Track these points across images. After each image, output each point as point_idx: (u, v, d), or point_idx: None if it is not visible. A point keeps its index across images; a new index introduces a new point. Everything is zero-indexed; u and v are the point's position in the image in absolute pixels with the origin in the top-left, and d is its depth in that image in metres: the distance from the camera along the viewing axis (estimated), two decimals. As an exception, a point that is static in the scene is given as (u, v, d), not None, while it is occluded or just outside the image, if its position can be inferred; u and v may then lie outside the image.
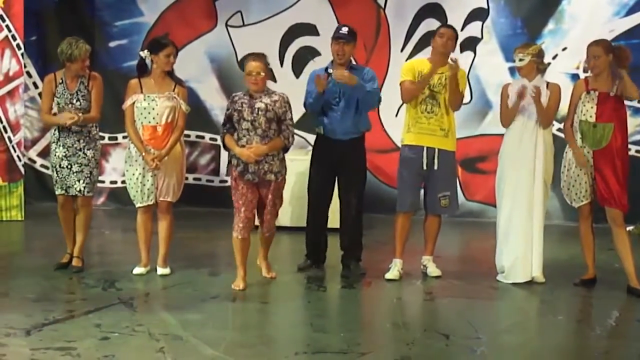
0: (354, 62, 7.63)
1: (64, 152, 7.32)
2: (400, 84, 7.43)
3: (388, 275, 7.39)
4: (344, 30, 7.48)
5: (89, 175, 7.35)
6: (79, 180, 7.33)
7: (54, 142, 7.41)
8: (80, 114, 7.21)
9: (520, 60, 7.20)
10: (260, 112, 6.71)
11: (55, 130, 7.40)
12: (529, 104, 7.21)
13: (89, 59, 7.35)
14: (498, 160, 7.45)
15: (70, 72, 7.31)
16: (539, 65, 7.26)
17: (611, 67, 7.04)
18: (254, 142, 6.70)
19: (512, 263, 7.28)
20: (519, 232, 7.23)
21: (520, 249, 7.24)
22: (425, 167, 7.37)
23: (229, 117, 6.85)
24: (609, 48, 7.07)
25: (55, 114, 7.31)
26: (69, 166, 7.33)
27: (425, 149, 7.37)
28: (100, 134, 7.60)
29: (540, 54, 7.27)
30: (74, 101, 7.28)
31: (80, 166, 7.33)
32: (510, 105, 7.26)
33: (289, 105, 6.96)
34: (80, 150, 7.32)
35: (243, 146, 6.74)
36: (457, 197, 7.67)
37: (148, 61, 7.24)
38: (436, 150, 7.37)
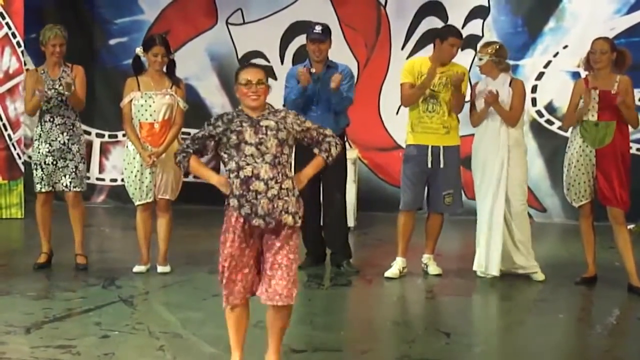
0: (330, 60, 7.61)
1: (48, 147, 7.30)
2: (400, 86, 7.43)
3: (387, 274, 7.38)
4: (318, 29, 7.50)
5: (74, 170, 7.33)
6: (65, 176, 7.32)
7: (36, 139, 7.38)
8: (70, 83, 7.21)
9: (480, 59, 7.33)
10: (269, 132, 4.70)
11: (37, 126, 7.39)
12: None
13: (62, 49, 7.33)
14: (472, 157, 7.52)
15: (49, 60, 7.35)
16: (498, 65, 7.30)
17: (612, 67, 7.06)
18: (263, 172, 4.62)
19: (480, 256, 7.34)
20: (482, 227, 7.30)
21: (482, 242, 7.30)
22: (430, 166, 7.36)
23: (204, 137, 4.75)
24: (614, 46, 7.11)
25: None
26: (54, 162, 7.31)
27: (430, 147, 7.37)
28: (100, 132, 7.59)
29: (499, 53, 7.32)
30: (57, 86, 7.28)
31: (65, 161, 7.31)
32: (478, 107, 7.31)
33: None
34: (64, 144, 7.31)
35: (247, 178, 4.63)
36: (461, 195, 7.67)
37: (144, 59, 7.28)
38: (441, 148, 7.37)
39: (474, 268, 7.33)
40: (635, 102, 7.13)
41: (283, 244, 4.67)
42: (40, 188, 7.37)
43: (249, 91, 4.76)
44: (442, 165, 7.37)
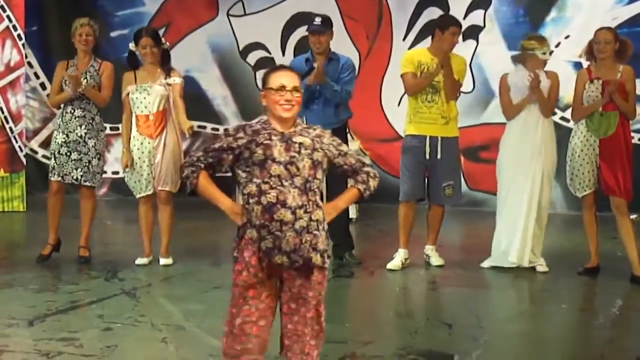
0: (332, 52, 7.59)
1: (64, 138, 7.32)
2: (402, 76, 7.41)
3: (390, 265, 7.38)
4: (318, 21, 7.48)
5: (87, 164, 7.33)
6: (76, 169, 7.32)
7: (56, 128, 7.45)
8: (81, 79, 7.23)
9: (543, 53, 7.20)
10: (303, 151, 3.85)
11: (59, 117, 7.41)
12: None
13: (88, 38, 7.37)
14: (500, 148, 7.44)
15: (78, 51, 7.41)
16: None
17: (614, 57, 7.05)
18: (290, 198, 3.76)
19: (506, 247, 7.27)
20: (517, 218, 7.22)
21: (518, 233, 7.22)
22: (428, 157, 7.35)
23: (221, 149, 3.87)
24: (617, 36, 7.11)
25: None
26: (68, 153, 7.32)
27: (427, 138, 7.35)
28: (104, 124, 7.59)
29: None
30: (82, 79, 7.29)
31: (79, 154, 7.32)
32: (516, 98, 7.23)
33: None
34: (81, 137, 7.31)
35: (271, 204, 3.76)
36: (460, 186, 7.66)
37: (138, 53, 7.30)
38: (439, 138, 7.35)
39: (514, 260, 7.25)
40: (636, 92, 7.12)
41: (310, 291, 3.83)
42: (51, 176, 7.40)
43: (282, 99, 3.87)
44: (439, 157, 7.35)
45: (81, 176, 7.33)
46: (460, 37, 8.06)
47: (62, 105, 7.39)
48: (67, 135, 7.32)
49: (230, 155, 3.84)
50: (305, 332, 3.85)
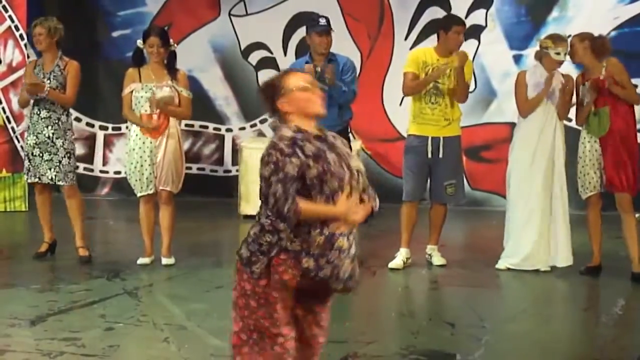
0: (331, 52, 7.58)
1: (34, 139, 7.35)
2: (403, 75, 7.41)
3: (391, 265, 7.37)
4: (323, 21, 7.44)
5: (58, 164, 7.33)
6: (49, 169, 7.33)
7: (26, 130, 7.50)
8: (45, 84, 7.23)
9: (557, 54, 7.17)
10: (348, 157, 3.62)
11: (28, 118, 7.47)
12: (552, 93, 7.21)
13: (40, 38, 7.37)
14: (511, 148, 7.40)
15: (44, 54, 7.43)
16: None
17: (594, 54, 7.07)
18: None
19: (531, 250, 7.23)
20: (538, 219, 7.20)
21: (543, 235, 7.20)
22: (430, 156, 7.34)
23: (293, 177, 3.45)
24: (582, 37, 7.15)
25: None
26: (40, 154, 7.34)
27: (430, 138, 7.35)
28: (104, 124, 7.59)
29: None
30: (46, 80, 7.31)
31: (50, 154, 7.33)
32: (534, 95, 7.23)
33: None
34: (48, 138, 7.32)
35: (332, 233, 3.49)
36: (463, 185, 7.65)
37: (145, 51, 7.30)
38: (441, 138, 7.35)
39: (547, 265, 7.21)
40: (630, 79, 7.15)
41: (325, 307, 3.80)
42: (27, 179, 7.52)
43: (313, 95, 3.60)
44: (441, 156, 7.35)
45: (55, 176, 7.34)
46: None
47: (31, 105, 7.42)
48: (36, 137, 7.34)
49: (301, 179, 3.47)
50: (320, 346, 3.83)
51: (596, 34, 7.25)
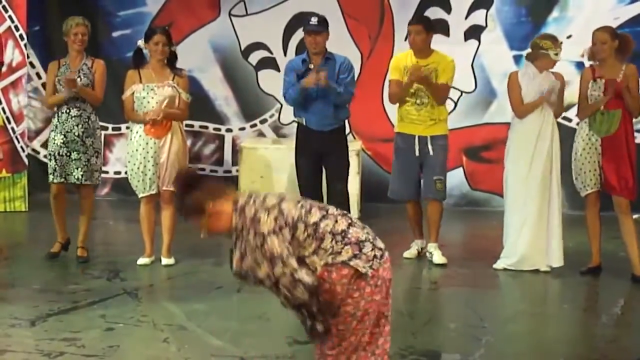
0: (329, 52, 7.58)
1: (62, 139, 7.32)
2: (389, 83, 7.50)
3: (406, 254, 7.63)
4: (314, 20, 7.46)
5: (86, 163, 7.33)
6: (77, 168, 7.32)
7: (52, 129, 7.44)
8: (77, 81, 7.21)
9: (556, 54, 7.20)
10: None
11: (54, 117, 7.43)
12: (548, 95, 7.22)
13: (84, 38, 7.38)
14: (507, 150, 7.40)
15: (71, 50, 7.41)
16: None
17: (616, 55, 7.06)
18: None
19: (526, 251, 7.23)
20: (535, 221, 7.19)
21: (539, 237, 7.20)
22: (418, 154, 7.41)
23: None
24: (614, 34, 7.09)
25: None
26: (68, 153, 7.32)
27: (416, 137, 7.42)
28: (104, 124, 7.60)
29: None
30: (76, 78, 7.29)
31: (78, 154, 7.32)
32: (526, 96, 7.21)
33: None
34: (78, 137, 7.32)
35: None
36: (446, 184, 7.69)
37: (145, 51, 7.30)
38: (428, 137, 7.43)
39: (548, 265, 7.22)
40: (639, 92, 7.13)
41: None
42: (53, 179, 7.38)
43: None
44: (431, 153, 7.42)
45: (82, 175, 7.33)
46: (462, 37, 8.09)
47: (57, 106, 7.41)
48: (65, 136, 7.32)
49: None
50: None
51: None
